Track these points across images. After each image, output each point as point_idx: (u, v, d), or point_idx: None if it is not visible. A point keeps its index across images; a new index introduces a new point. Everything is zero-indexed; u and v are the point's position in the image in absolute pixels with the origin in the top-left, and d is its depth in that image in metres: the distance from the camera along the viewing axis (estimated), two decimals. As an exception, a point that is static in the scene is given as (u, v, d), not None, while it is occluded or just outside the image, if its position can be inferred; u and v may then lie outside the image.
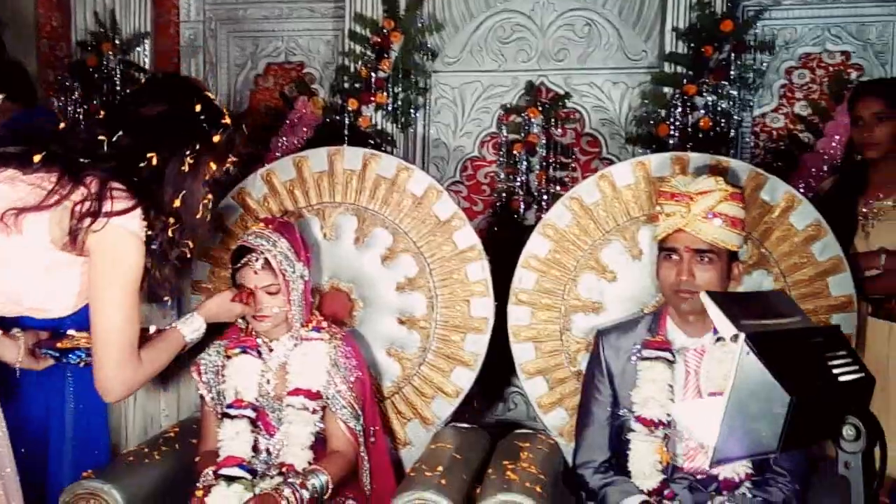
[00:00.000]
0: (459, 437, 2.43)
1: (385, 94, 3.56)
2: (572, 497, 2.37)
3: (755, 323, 1.29)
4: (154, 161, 1.73)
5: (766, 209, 2.36)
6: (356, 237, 2.57)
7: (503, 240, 3.67)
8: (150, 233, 1.72)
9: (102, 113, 1.86)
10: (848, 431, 1.18)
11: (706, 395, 2.08)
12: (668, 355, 2.13)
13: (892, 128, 2.58)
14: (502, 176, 3.80)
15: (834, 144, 3.28)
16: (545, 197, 3.71)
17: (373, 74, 3.56)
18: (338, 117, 3.64)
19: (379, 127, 3.63)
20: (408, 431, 2.53)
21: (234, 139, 1.93)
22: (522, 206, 3.77)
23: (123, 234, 1.68)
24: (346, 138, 3.55)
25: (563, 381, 2.46)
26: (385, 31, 3.55)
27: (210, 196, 1.87)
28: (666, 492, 2.09)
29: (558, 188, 3.69)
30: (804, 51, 3.48)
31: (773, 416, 1.17)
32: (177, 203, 1.76)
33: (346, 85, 3.62)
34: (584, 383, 2.30)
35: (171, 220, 1.75)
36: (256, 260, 2.17)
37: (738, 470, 2.04)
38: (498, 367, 2.61)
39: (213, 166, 1.85)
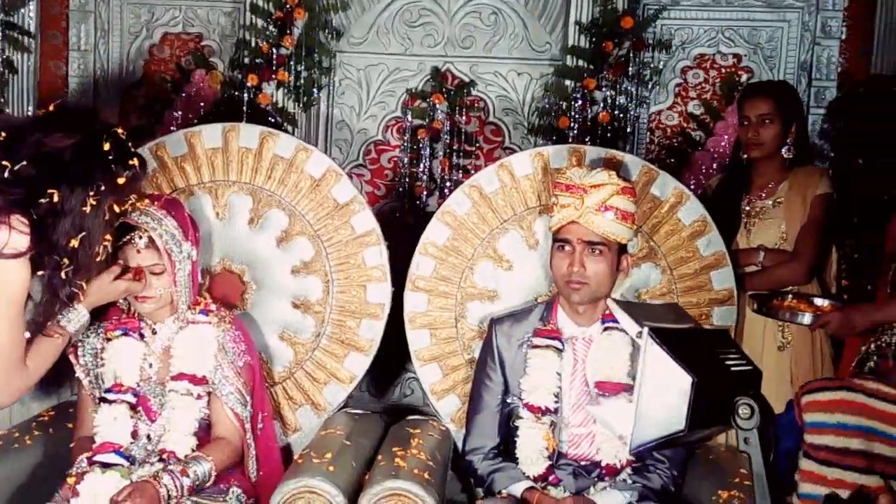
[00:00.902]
0: (351, 423, 2.41)
1: (287, 71, 3.48)
2: (461, 482, 2.39)
3: (655, 324, 1.42)
4: (55, 198, 1.71)
5: (656, 204, 2.43)
6: (251, 218, 2.50)
7: (405, 225, 3.67)
8: (41, 273, 1.74)
9: (3, 135, 1.77)
10: (743, 410, 1.29)
11: (592, 384, 2.14)
12: (557, 344, 2.17)
13: (776, 130, 2.68)
14: (406, 161, 3.79)
15: (723, 143, 3.43)
16: (448, 184, 3.73)
17: (274, 50, 3.47)
18: (237, 93, 3.53)
19: (280, 105, 3.54)
20: (299, 417, 2.48)
21: (140, 179, 1.92)
22: (425, 193, 3.78)
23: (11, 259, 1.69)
24: (245, 115, 3.45)
25: (456, 368, 2.47)
26: (288, 6, 3.46)
27: (109, 238, 1.87)
28: (551, 477, 2.13)
29: (461, 175, 3.70)
30: (699, 51, 3.61)
31: (679, 399, 1.28)
32: (74, 243, 1.74)
33: (247, 60, 3.52)
34: (475, 370, 2.32)
35: (66, 260, 1.75)
36: (140, 238, 2.07)
37: (619, 456, 2.10)
38: (395, 353, 2.61)
39: (116, 208, 1.84)
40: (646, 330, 1.36)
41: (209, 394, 2.16)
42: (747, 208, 2.72)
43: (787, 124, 2.68)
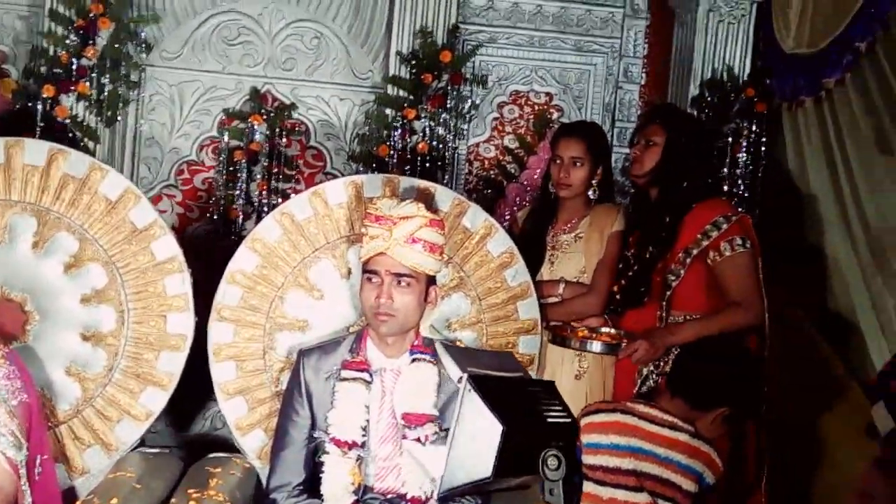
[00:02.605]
0: (145, 464, 2.26)
1: (89, 83, 3.24)
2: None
3: (479, 371, 1.45)
4: None
5: (466, 235, 2.48)
6: (35, 241, 2.29)
7: (219, 251, 3.52)
8: None
9: None
10: (552, 462, 1.32)
11: (399, 415, 2.13)
12: (365, 376, 2.14)
13: (585, 172, 2.79)
14: (222, 183, 3.65)
15: (535, 177, 3.57)
16: (266, 208, 3.62)
17: (75, 61, 3.23)
18: (30, 104, 3.25)
19: (80, 119, 3.29)
20: (87, 459, 2.29)
21: None
22: (241, 217, 3.65)
23: None
24: (39, 128, 3.18)
25: (263, 401, 2.38)
26: (92, 15, 3.23)
27: None
28: (357, 512, 2.10)
29: (280, 200, 3.61)
30: (514, 88, 3.77)
31: (488, 447, 1.30)
32: None
33: (43, 69, 3.25)
34: (282, 405, 2.24)
35: None
36: None
37: (424, 488, 2.09)
38: (203, 384, 2.48)
39: None
40: (465, 376, 1.37)
41: (-25, 438, 1.93)
42: (551, 241, 2.84)
43: (595, 166, 2.81)
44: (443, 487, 1.38)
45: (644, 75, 3.80)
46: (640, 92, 3.79)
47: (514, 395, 1.43)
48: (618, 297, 2.68)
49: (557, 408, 1.46)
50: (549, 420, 1.41)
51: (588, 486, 2.10)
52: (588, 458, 2.11)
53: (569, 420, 1.44)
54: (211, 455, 2.38)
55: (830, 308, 3.08)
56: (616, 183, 3.49)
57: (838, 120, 3.13)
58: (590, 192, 2.83)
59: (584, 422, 2.16)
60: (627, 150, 3.63)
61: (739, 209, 2.74)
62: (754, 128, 3.47)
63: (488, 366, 1.54)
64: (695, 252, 2.54)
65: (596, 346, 2.59)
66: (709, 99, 3.47)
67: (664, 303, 2.58)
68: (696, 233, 2.54)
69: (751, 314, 2.51)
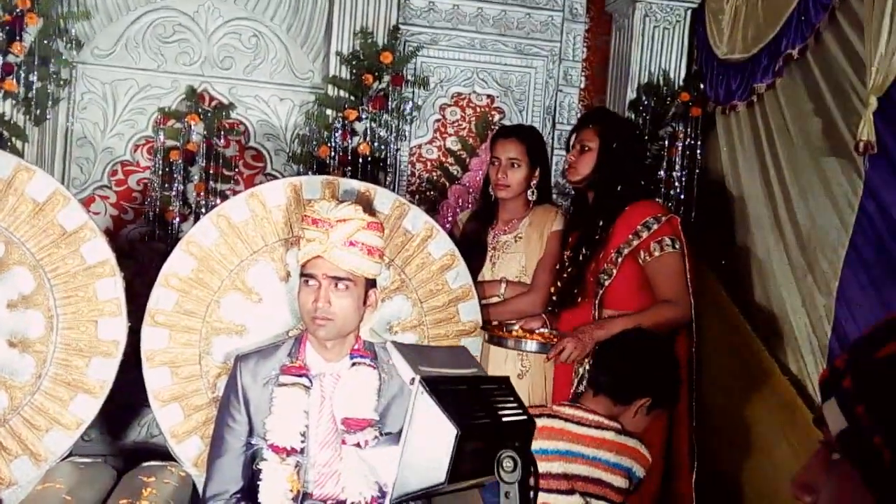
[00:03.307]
0: (76, 474, 2.19)
1: (16, 81, 3.12)
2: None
3: (431, 370, 1.40)
4: None
5: (407, 237, 2.47)
6: (-43, 245, 2.20)
7: (155, 253, 3.44)
8: None
9: None
10: (507, 464, 1.28)
11: (339, 421, 2.10)
12: (305, 381, 2.11)
13: (523, 174, 2.81)
14: (157, 184, 3.56)
15: (478, 178, 3.58)
16: (203, 210, 3.54)
17: (1, 57, 3.11)
18: (-47, 102, 3.12)
19: (8, 117, 3.17)
20: (14, 470, 2.22)
21: None
22: (178, 218, 3.57)
23: None
24: (-38, 127, 3.05)
25: (199, 408, 2.33)
26: (19, 10, 3.12)
27: None
28: (295, 520, 2.07)
29: (219, 201, 3.54)
30: (456, 90, 3.76)
31: (442, 451, 1.26)
32: None
33: (-33, 65, 3.12)
34: (218, 411, 2.19)
35: None
36: None
37: (364, 494, 2.07)
38: (141, 393, 2.42)
39: None
40: (417, 378, 1.33)
41: None
42: (492, 242, 2.85)
43: (533, 168, 2.83)
44: (395, 493, 1.31)
45: (583, 79, 3.84)
46: (579, 95, 3.83)
47: (469, 395, 1.38)
48: (554, 298, 2.71)
49: (513, 405, 1.42)
50: (505, 419, 1.38)
51: None
52: None
53: (525, 417, 1.41)
54: (145, 464, 2.32)
55: (763, 306, 3.16)
56: (557, 185, 3.53)
57: (769, 124, 3.20)
58: (528, 194, 2.85)
59: None
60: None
61: (670, 210, 2.77)
62: (689, 131, 3.54)
63: (442, 363, 1.47)
64: (626, 252, 2.58)
65: (531, 344, 2.61)
66: (646, 103, 3.52)
67: (597, 301, 2.62)
68: (628, 233, 2.59)
69: (679, 311, 2.57)
